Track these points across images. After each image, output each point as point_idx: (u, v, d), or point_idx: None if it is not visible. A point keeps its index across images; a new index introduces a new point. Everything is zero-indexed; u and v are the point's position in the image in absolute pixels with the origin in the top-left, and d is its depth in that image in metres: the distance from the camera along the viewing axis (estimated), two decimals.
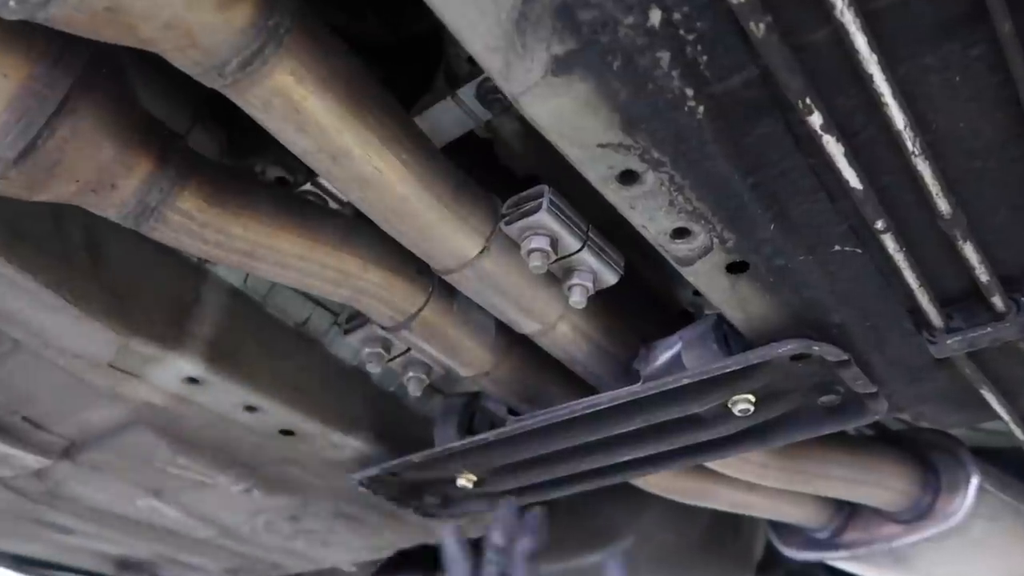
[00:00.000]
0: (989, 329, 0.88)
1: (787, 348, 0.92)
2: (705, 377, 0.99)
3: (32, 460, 1.33)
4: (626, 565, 1.65)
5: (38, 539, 1.86)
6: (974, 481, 1.32)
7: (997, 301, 0.86)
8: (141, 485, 1.46)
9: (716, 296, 0.90)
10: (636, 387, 1.03)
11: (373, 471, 1.28)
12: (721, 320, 1.05)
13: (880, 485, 1.31)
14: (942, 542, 1.37)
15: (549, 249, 0.90)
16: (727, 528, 1.98)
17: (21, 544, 1.91)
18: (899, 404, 1.09)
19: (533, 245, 0.89)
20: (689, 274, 0.86)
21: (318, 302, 1.25)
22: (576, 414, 1.08)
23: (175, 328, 1.09)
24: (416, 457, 1.23)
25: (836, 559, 1.46)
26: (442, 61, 1.06)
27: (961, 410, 1.12)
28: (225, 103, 1.11)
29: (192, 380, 1.12)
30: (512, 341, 1.13)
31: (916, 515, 1.36)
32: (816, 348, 0.92)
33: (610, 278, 0.96)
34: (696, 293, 1.32)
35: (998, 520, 1.39)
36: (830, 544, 1.44)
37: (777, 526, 1.58)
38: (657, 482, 1.45)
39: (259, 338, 1.19)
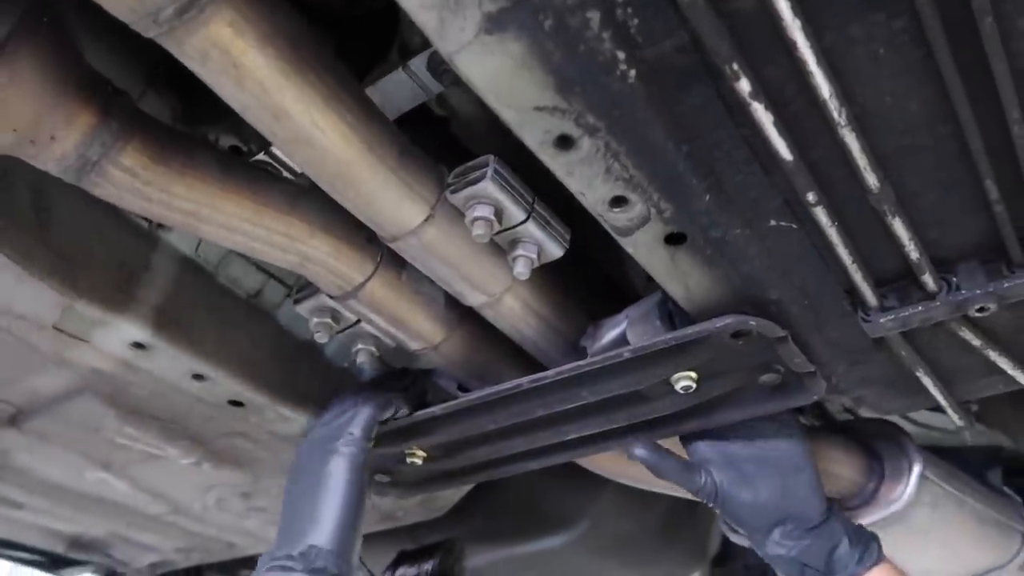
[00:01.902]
0: (920, 308, 0.90)
1: (725, 323, 0.94)
2: (646, 352, 1.00)
3: None
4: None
5: None
6: (916, 469, 1.34)
7: (928, 280, 0.88)
8: (90, 457, 1.45)
9: (656, 270, 0.91)
10: (581, 362, 1.04)
11: None
12: (666, 298, 1.06)
13: (825, 473, 1.32)
14: (885, 529, 1.38)
15: (493, 218, 0.90)
16: (683, 520, 2.00)
17: None
18: (840, 387, 1.10)
19: (477, 214, 0.90)
20: (628, 245, 0.87)
21: (271, 274, 1.25)
22: (523, 388, 1.09)
23: (122, 293, 1.09)
24: None
25: None
26: (397, 34, 1.06)
27: (901, 395, 1.14)
28: (179, 69, 1.12)
29: (139, 345, 1.12)
30: (462, 315, 1.13)
31: (860, 502, 1.38)
32: (753, 323, 0.93)
33: (555, 251, 0.97)
34: (651, 279, 1.34)
35: (940, 509, 1.41)
36: None
37: None
38: (609, 466, 1.46)
39: (209, 307, 1.19)
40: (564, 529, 1.75)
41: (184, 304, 1.15)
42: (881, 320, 0.92)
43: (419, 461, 1.31)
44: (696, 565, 2.08)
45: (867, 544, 1.11)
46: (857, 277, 0.88)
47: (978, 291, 0.87)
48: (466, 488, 1.66)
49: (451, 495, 1.65)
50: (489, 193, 0.90)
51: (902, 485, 1.35)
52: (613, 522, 1.79)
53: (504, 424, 1.19)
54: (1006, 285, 0.86)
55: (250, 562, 2.31)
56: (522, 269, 0.95)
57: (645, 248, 0.87)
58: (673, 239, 0.86)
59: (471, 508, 1.73)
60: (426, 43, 1.00)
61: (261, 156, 1.11)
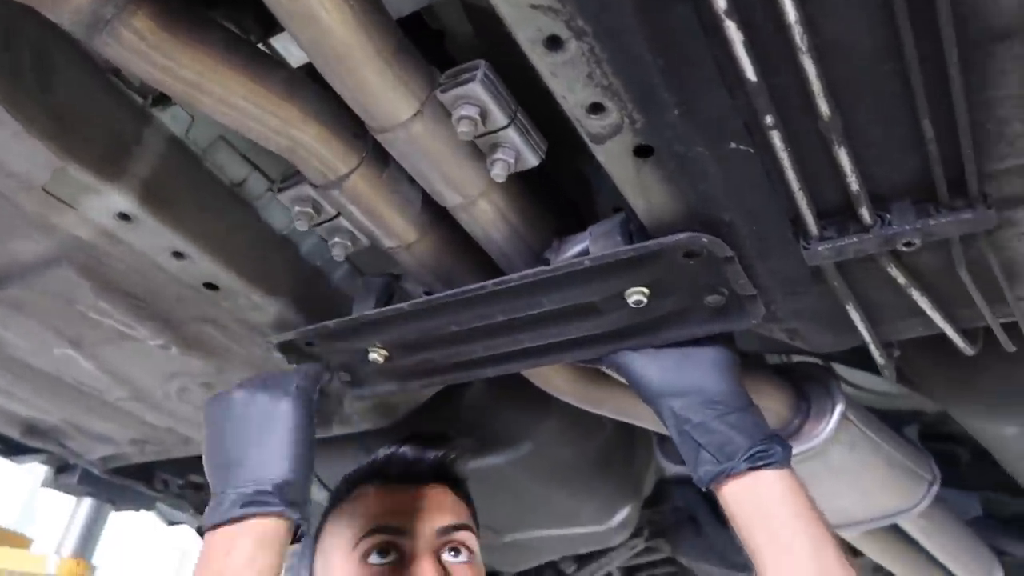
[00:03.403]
0: (855, 239, 1.00)
1: (679, 238, 1.02)
2: (606, 262, 1.08)
3: None
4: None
5: None
6: (839, 408, 1.46)
7: (864, 213, 0.97)
8: (61, 332, 1.49)
9: (622, 180, 0.99)
10: (545, 267, 1.12)
11: (290, 335, 1.35)
12: (628, 219, 1.15)
13: None
14: (804, 463, 1.51)
15: (478, 119, 0.97)
16: (618, 456, 2.10)
17: None
18: (777, 316, 1.20)
19: (463, 113, 0.97)
20: (600, 153, 0.95)
21: (256, 165, 1.30)
22: (488, 290, 1.17)
23: (113, 162, 1.13)
24: (331, 323, 1.30)
25: None
26: None
27: (831, 331, 1.25)
28: None
29: (124, 216, 1.16)
30: (435, 219, 1.20)
31: (785, 436, 1.49)
32: (705, 241, 1.02)
33: (531, 159, 1.04)
34: (616, 210, 1.42)
35: (856, 450, 1.54)
36: None
37: (662, 440, 1.70)
38: (560, 385, 1.54)
39: (194, 189, 1.23)
40: (508, 449, 1.85)
41: (170, 182, 1.19)
42: (819, 248, 1.01)
43: (380, 360, 1.38)
44: (627, 501, 2.20)
45: (769, 446, 1.08)
46: (802, 205, 0.97)
47: (907, 227, 0.96)
48: (419, 399, 1.74)
49: (404, 403, 1.73)
50: (477, 94, 0.96)
51: (824, 423, 1.47)
52: (554, 448, 1.89)
53: (465, 327, 1.26)
54: (931, 223, 0.95)
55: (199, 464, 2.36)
56: (499, 171, 1.02)
57: (615, 157, 0.95)
58: (641, 151, 0.94)
59: (422, 422, 1.81)
60: None
61: (259, 46, 1.16)
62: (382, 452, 1.42)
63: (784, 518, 1.08)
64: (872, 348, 1.23)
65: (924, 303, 1.11)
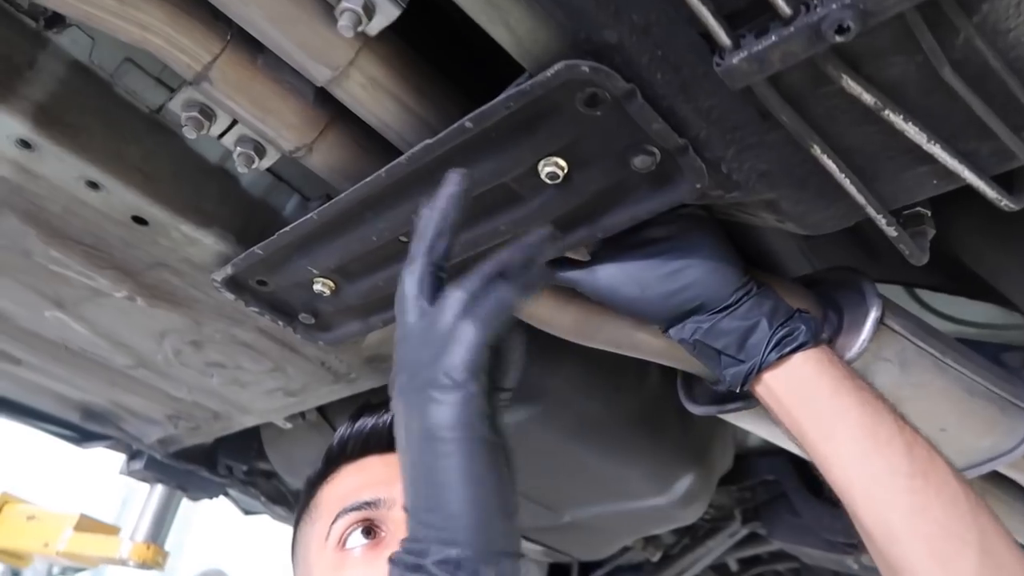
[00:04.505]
0: (774, 38, 0.76)
1: (556, 68, 0.83)
2: (490, 121, 0.91)
3: None
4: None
5: None
6: (872, 315, 1.16)
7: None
8: (40, 291, 1.49)
9: (472, 5, 0.81)
10: (429, 140, 0.96)
11: (227, 270, 1.26)
12: (530, 76, 0.96)
13: None
14: None
15: None
16: (668, 417, 1.85)
17: None
18: (735, 179, 0.96)
19: None
20: None
21: (172, 89, 1.23)
22: (382, 180, 1.02)
23: (2, 88, 1.09)
24: (259, 248, 1.20)
25: (732, 411, 1.32)
26: None
27: (820, 200, 0.99)
28: None
29: (25, 144, 1.13)
30: (334, 113, 1.08)
31: None
32: (586, 69, 0.82)
33: (390, 8, 0.89)
34: None
35: (911, 371, 1.22)
36: (729, 396, 1.31)
37: (685, 380, 1.45)
38: (541, 315, 1.36)
39: (103, 116, 1.18)
40: (527, 404, 1.66)
41: (72, 107, 1.15)
42: (735, 61, 0.78)
43: (327, 291, 1.26)
44: (687, 468, 1.92)
45: (793, 326, 0.98)
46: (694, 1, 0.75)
47: (834, 5, 0.72)
48: None
49: None
50: None
51: (857, 335, 1.18)
52: (576, 401, 1.68)
53: (389, 237, 1.12)
54: None
55: (254, 439, 2.33)
56: (346, 23, 0.88)
57: None
58: None
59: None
60: None
61: None
62: (335, 438, 1.25)
63: (826, 397, 0.97)
64: (870, 211, 0.95)
65: (913, 132, 0.84)
